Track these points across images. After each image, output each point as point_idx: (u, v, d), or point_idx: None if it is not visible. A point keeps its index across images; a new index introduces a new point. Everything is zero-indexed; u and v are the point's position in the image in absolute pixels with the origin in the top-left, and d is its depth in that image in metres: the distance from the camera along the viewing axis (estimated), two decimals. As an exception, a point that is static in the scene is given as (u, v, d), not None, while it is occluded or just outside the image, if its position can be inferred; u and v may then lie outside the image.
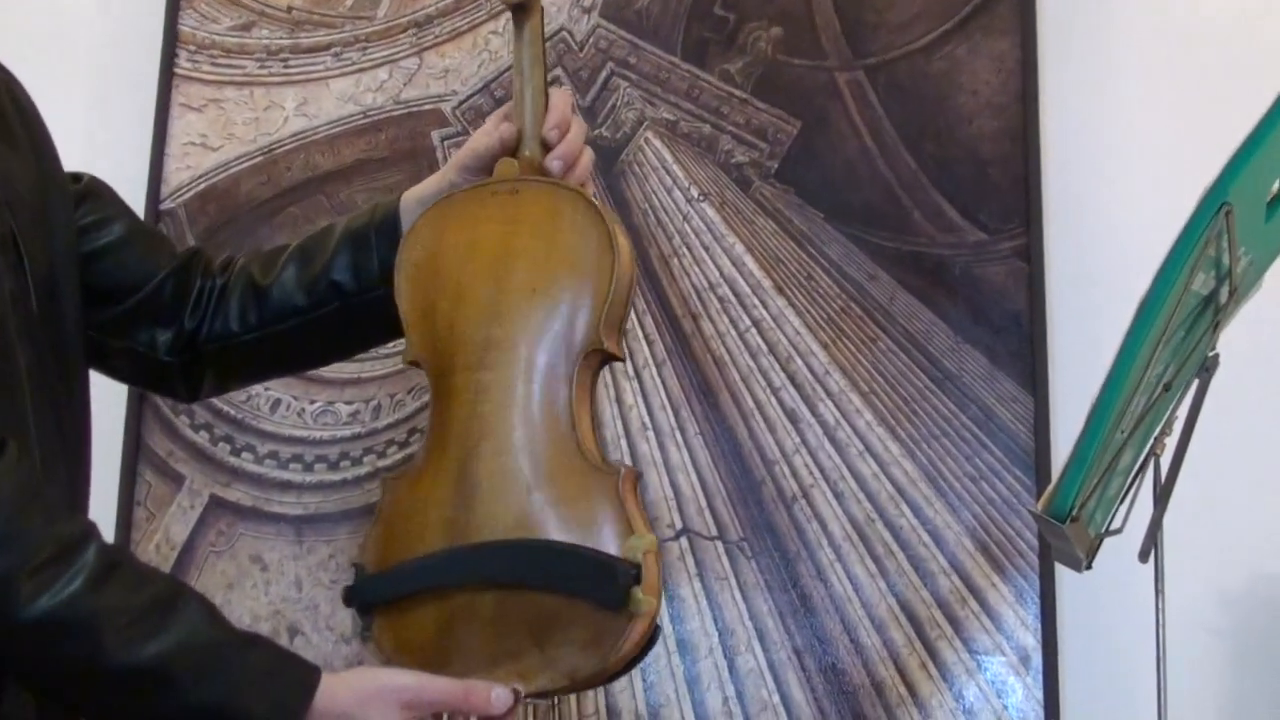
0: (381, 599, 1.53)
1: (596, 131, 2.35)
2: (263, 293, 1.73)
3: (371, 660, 2.15)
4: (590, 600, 1.46)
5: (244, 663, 1.36)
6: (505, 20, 2.42)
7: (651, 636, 1.50)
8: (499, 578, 1.48)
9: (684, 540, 2.22)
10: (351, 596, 1.55)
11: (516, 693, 1.45)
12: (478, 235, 1.61)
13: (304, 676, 1.38)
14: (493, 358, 1.54)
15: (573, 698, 2.19)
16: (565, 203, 1.61)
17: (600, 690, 2.19)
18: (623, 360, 1.68)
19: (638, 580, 1.45)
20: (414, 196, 1.73)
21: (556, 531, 1.48)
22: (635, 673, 2.18)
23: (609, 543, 1.47)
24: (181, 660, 1.33)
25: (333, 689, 1.38)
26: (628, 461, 2.22)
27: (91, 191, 1.70)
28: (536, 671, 1.47)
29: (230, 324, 1.74)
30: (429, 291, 1.60)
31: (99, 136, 2.43)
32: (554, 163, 1.66)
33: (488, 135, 1.70)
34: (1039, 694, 2.11)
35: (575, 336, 1.55)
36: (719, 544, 2.22)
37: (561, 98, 1.71)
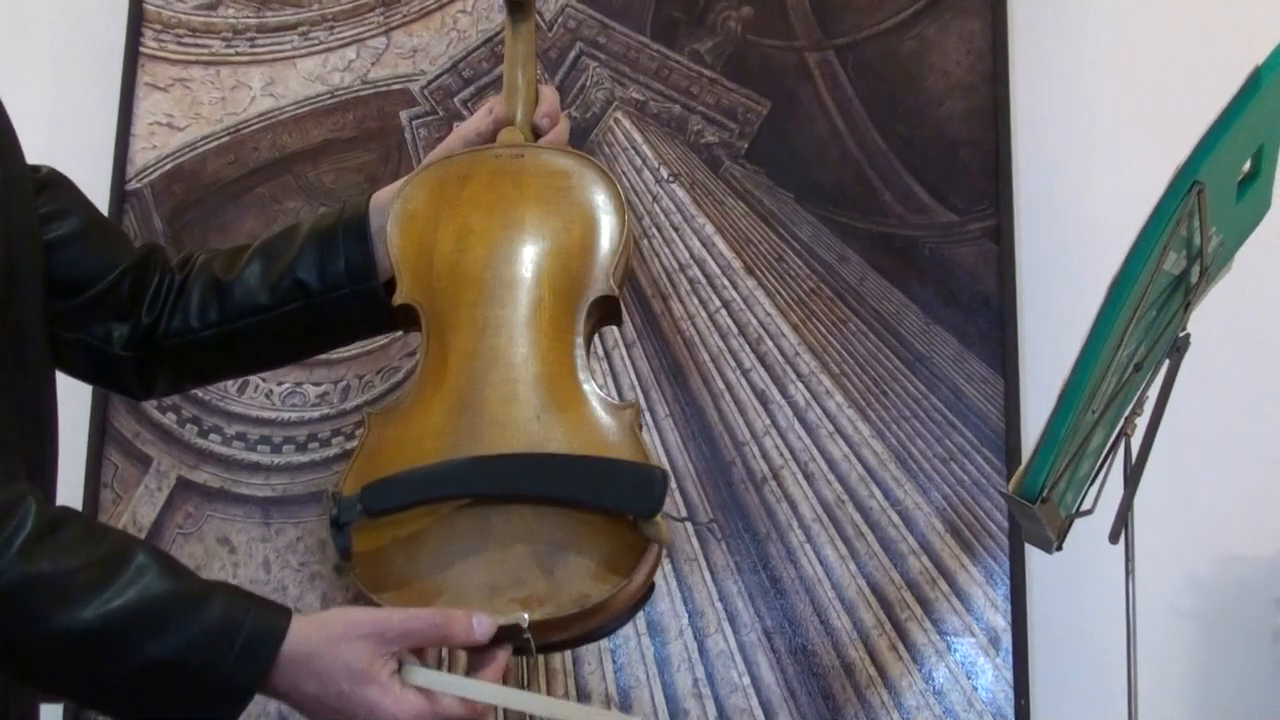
0: (391, 506, 1.43)
1: (565, 112, 2.33)
2: (224, 289, 1.70)
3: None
4: (627, 508, 1.42)
5: (200, 615, 1.30)
6: (474, 0, 2.41)
7: (650, 587, 1.48)
8: (529, 487, 1.43)
9: (654, 522, 2.21)
10: (346, 508, 1.43)
11: (513, 625, 1.37)
12: (483, 187, 1.62)
13: (271, 621, 1.33)
14: (503, 294, 1.54)
15: (542, 679, 2.18)
16: (573, 161, 1.65)
17: (570, 672, 2.18)
18: (620, 324, 1.68)
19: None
20: (385, 195, 1.71)
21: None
22: (605, 654, 2.18)
23: None
24: (130, 619, 1.28)
25: (303, 630, 1.32)
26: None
27: (50, 183, 1.67)
28: (543, 599, 1.40)
29: (190, 320, 1.70)
30: (426, 234, 1.59)
31: (64, 117, 2.41)
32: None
33: (478, 123, 1.70)
34: (1009, 675, 2.12)
35: (590, 279, 1.56)
36: (689, 525, 2.21)
37: (552, 92, 1.74)
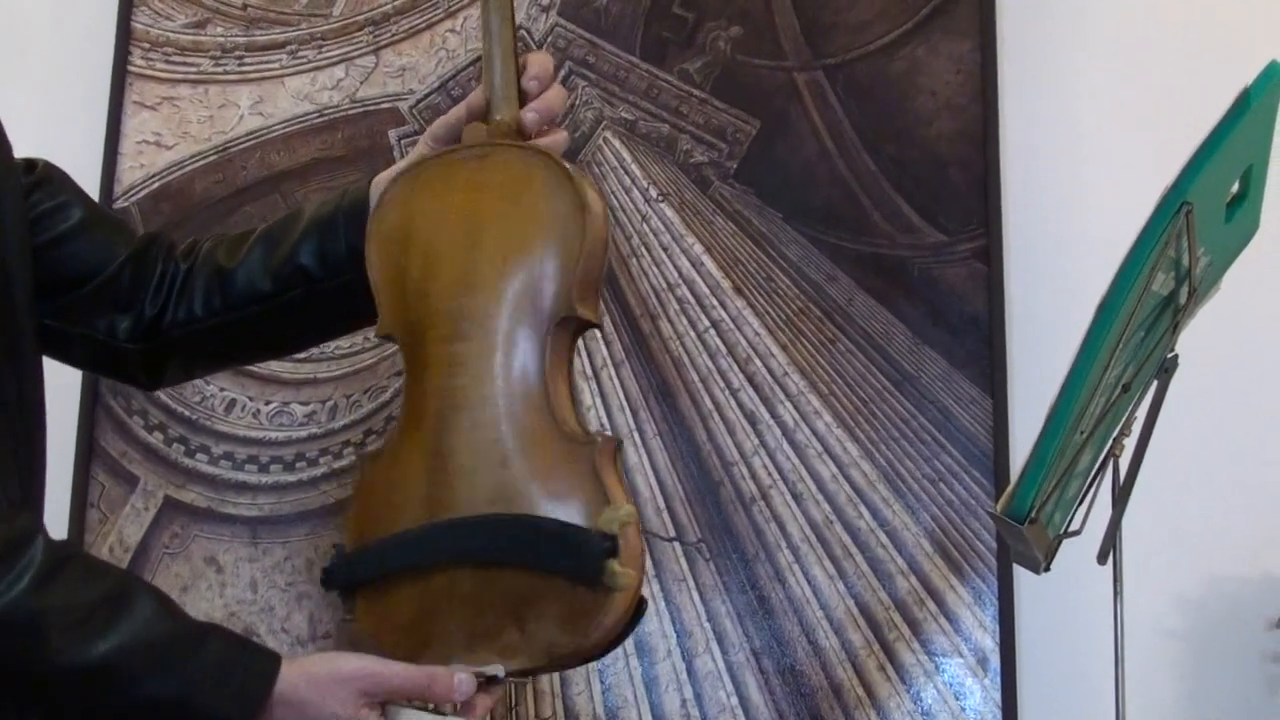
0: (357, 579, 1.51)
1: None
2: (228, 276, 1.71)
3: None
4: (564, 575, 1.43)
5: (198, 656, 1.34)
6: (463, 19, 2.41)
7: (638, 610, 1.48)
8: (472, 554, 1.45)
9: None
10: (327, 579, 1.52)
11: (492, 677, 1.42)
12: (447, 203, 1.58)
13: (262, 666, 1.37)
14: (466, 328, 1.51)
15: (530, 699, 2.18)
16: (533, 164, 1.58)
17: (557, 693, 2.18)
18: (599, 326, 1.67)
19: (613, 553, 1.42)
20: (384, 180, 1.71)
21: (533, 505, 1.45)
22: (593, 675, 2.17)
23: (584, 515, 1.45)
24: (132, 657, 1.32)
25: (291, 678, 1.36)
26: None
27: (46, 178, 1.68)
28: (516, 650, 1.44)
29: (195, 309, 1.71)
30: (399, 260, 1.58)
31: (51, 134, 2.40)
32: (529, 115, 1.63)
33: (457, 105, 1.69)
34: (997, 696, 2.11)
35: (547, 303, 1.52)
36: (677, 545, 2.21)
37: (542, 56, 1.69)
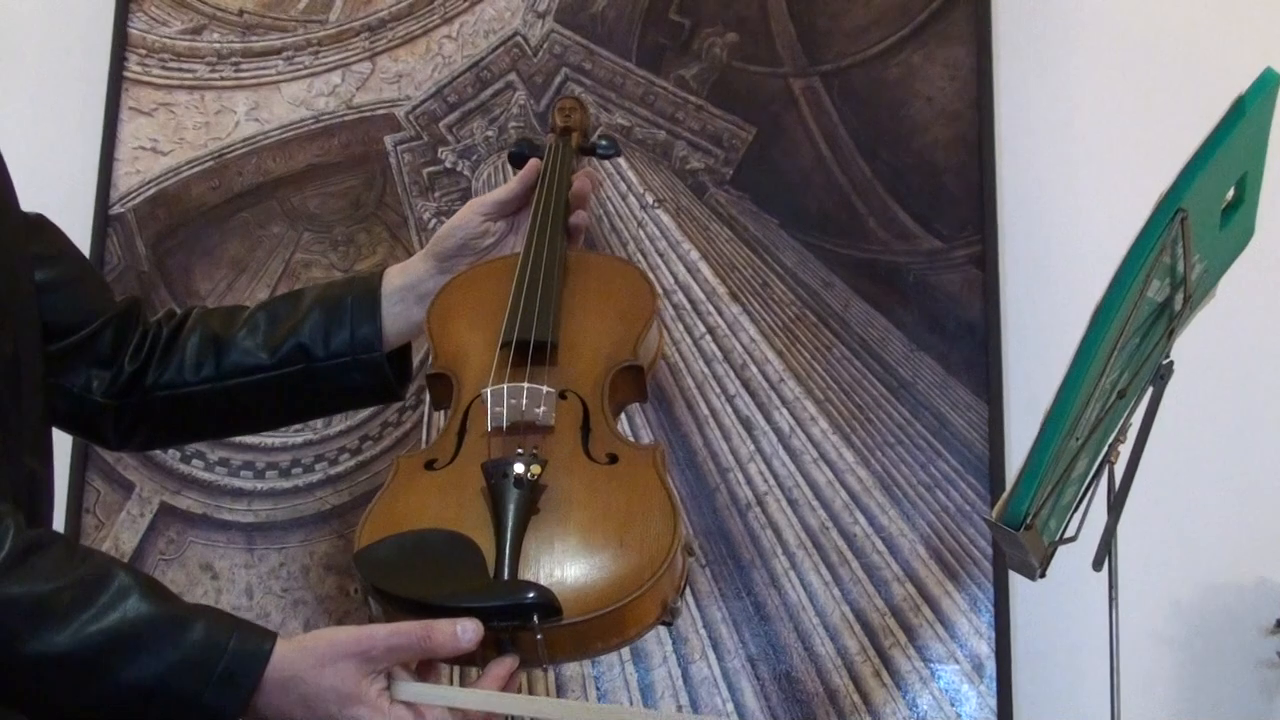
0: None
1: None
2: (223, 346, 1.71)
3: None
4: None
5: (184, 638, 1.30)
6: (459, 25, 2.41)
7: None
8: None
9: (638, 548, 2.20)
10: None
11: (524, 632, 1.33)
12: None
13: (255, 645, 1.32)
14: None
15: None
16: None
17: (552, 698, 2.18)
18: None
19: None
20: (398, 274, 1.75)
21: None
22: (588, 681, 2.17)
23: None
24: (107, 643, 1.28)
25: (287, 654, 1.31)
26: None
27: (40, 228, 1.67)
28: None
29: (184, 373, 1.71)
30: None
31: (47, 141, 2.41)
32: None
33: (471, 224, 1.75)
34: (992, 702, 2.11)
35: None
36: (673, 552, 2.21)
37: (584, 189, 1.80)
